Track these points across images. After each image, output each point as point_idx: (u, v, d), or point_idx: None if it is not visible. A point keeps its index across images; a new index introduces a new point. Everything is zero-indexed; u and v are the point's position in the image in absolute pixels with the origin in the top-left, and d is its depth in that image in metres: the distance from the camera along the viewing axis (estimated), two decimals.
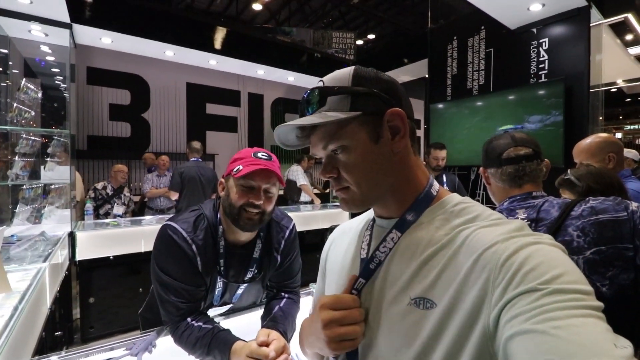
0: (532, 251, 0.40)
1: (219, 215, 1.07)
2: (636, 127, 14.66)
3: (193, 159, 3.88)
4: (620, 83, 5.22)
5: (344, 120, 0.50)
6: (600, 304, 0.36)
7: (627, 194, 1.13)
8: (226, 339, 0.93)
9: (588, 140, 1.65)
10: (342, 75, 0.53)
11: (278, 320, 1.04)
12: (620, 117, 14.88)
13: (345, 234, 0.66)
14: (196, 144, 3.93)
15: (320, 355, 0.59)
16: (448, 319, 0.43)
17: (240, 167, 0.97)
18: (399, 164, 0.52)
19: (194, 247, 1.00)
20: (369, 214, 0.63)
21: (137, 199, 4.51)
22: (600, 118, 3.29)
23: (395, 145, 0.51)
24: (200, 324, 0.98)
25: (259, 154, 1.00)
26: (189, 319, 0.99)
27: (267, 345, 0.88)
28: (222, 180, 1.06)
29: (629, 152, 3.05)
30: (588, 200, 0.98)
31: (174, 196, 3.80)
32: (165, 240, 1.01)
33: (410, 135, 0.53)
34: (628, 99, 13.18)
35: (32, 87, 2.77)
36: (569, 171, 1.21)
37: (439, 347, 0.42)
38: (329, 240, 0.71)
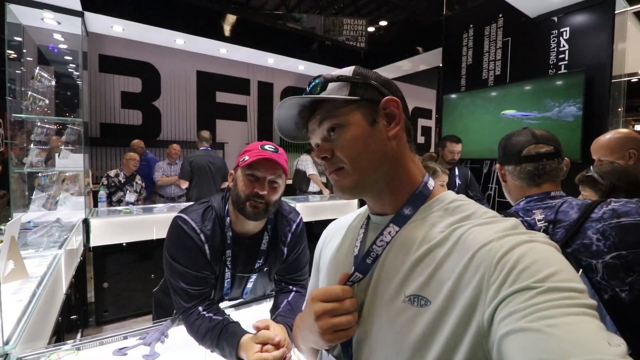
0: (526, 249, 0.40)
1: (227, 207, 1.11)
2: None
3: (202, 147, 3.91)
4: None
5: (342, 100, 0.52)
6: (594, 302, 0.36)
7: None
8: (235, 332, 0.94)
9: (607, 136, 1.59)
10: (344, 70, 0.56)
11: (287, 315, 1.06)
12: None
13: (340, 230, 0.66)
14: (205, 133, 3.95)
15: (315, 350, 0.60)
16: (443, 316, 0.43)
17: (247, 158, 1.01)
18: (393, 153, 0.53)
19: (202, 236, 1.04)
20: (363, 211, 0.63)
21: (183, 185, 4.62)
22: (620, 110, 3.18)
23: (390, 130, 0.53)
24: (211, 314, 1.00)
25: (266, 147, 1.03)
26: (200, 309, 1.01)
27: (259, 329, 0.92)
28: (232, 171, 1.10)
29: None
30: (610, 202, 0.94)
31: (184, 185, 3.85)
32: (176, 231, 1.05)
33: (406, 131, 0.55)
34: None
35: (45, 75, 2.80)
36: (591, 168, 1.16)
37: (433, 345, 0.43)
38: (323, 236, 0.72)
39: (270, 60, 5.31)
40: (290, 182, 5.11)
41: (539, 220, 0.99)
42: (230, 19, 4.56)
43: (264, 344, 0.88)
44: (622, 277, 0.87)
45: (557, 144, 1.03)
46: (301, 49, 5.32)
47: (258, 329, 0.91)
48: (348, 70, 0.55)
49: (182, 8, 4.20)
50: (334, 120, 0.53)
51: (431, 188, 0.55)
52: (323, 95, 0.54)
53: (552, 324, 0.33)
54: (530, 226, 0.98)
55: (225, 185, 3.91)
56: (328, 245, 0.68)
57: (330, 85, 0.54)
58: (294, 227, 1.19)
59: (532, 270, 0.38)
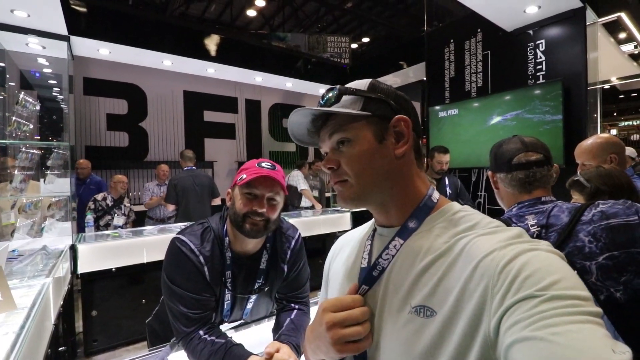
0: (529, 257, 0.40)
1: (225, 227, 1.09)
2: (631, 123, 14.78)
3: (187, 167, 3.84)
4: (615, 80, 5.27)
5: (353, 115, 0.53)
6: (599, 310, 0.36)
7: (638, 195, 1.13)
8: (240, 355, 0.92)
9: (590, 141, 1.65)
10: (360, 82, 0.57)
11: (290, 334, 1.04)
12: (615, 114, 15.00)
13: (348, 244, 0.67)
14: (188, 152, 3.89)
15: None
16: (449, 326, 0.43)
17: (244, 176, 1.00)
18: (399, 170, 0.54)
19: (201, 258, 1.03)
20: (371, 224, 0.64)
21: (136, 209, 4.48)
22: (595, 115, 3.32)
23: (398, 149, 0.54)
24: (213, 338, 0.97)
25: (263, 164, 1.03)
26: (201, 332, 0.99)
27: (271, 356, 0.89)
28: (229, 190, 1.09)
29: (626, 150, 3.07)
30: (598, 205, 0.97)
31: (171, 208, 3.79)
32: (174, 253, 1.04)
33: (415, 148, 0.56)
34: (621, 96, 13.30)
35: (30, 100, 2.76)
36: (578, 172, 1.21)
37: (441, 356, 0.43)
38: (332, 250, 0.72)
39: (258, 78, 5.37)
40: None
41: (531, 226, 1.01)
42: (218, 39, 4.61)
43: None
44: (616, 277, 0.89)
45: (546, 151, 1.07)
46: (288, 67, 5.41)
47: (270, 355, 0.88)
48: (364, 84, 0.56)
49: (169, 30, 4.24)
50: (344, 134, 0.54)
51: (435, 200, 0.55)
52: (336, 107, 0.55)
53: (556, 332, 0.33)
54: None
55: (215, 202, 3.84)
56: (337, 258, 0.69)
57: (344, 98, 0.55)
58: (292, 243, 1.18)
59: (535, 278, 0.38)
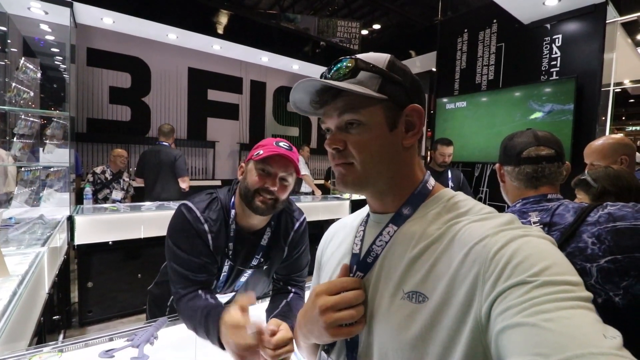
0: (521, 244, 0.40)
1: (233, 200, 1.10)
2: (638, 128, 14.62)
3: (158, 142, 3.64)
4: (627, 83, 5.16)
5: (371, 98, 0.50)
6: (589, 295, 0.36)
7: None
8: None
9: (600, 141, 1.61)
10: (378, 56, 0.53)
11: (286, 315, 1.04)
12: (623, 118, 14.83)
13: (341, 230, 0.67)
14: (164, 127, 3.64)
15: (314, 348, 0.60)
16: (440, 312, 0.43)
17: (261, 152, 0.99)
18: (404, 160, 0.53)
19: (205, 226, 1.04)
20: (364, 210, 0.64)
21: (136, 184, 4.45)
22: (603, 118, 3.26)
23: (406, 140, 0.53)
24: (207, 296, 0.99)
25: (281, 143, 1.03)
26: (199, 291, 1.00)
27: (275, 333, 0.85)
28: (243, 164, 1.08)
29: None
30: (606, 206, 0.94)
31: (139, 182, 3.66)
32: (180, 218, 1.05)
33: (419, 137, 0.55)
34: (631, 100, 13.09)
35: (31, 66, 2.70)
36: (586, 171, 1.17)
37: (432, 341, 0.43)
38: (325, 236, 0.72)
39: (265, 58, 5.27)
40: None
41: (534, 223, 0.98)
42: (226, 15, 4.50)
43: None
44: (617, 281, 0.86)
45: (559, 147, 1.03)
46: (296, 49, 5.30)
47: (274, 332, 0.83)
48: (383, 60, 0.52)
49: (176, 2, 4.13)
50: (356, 116, 0.51)
51: (430, 187, 0.55)
52: (350, 83, 0.50)
53: (548, 318, 0.33)
54: None
55: (183, 185, 3.65)
56: (330, 244, 0.68)
57: (362, 74, 0.51)
58: (297, 225, 1.18)
59: (527, 264, 0.38)
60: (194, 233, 1.03)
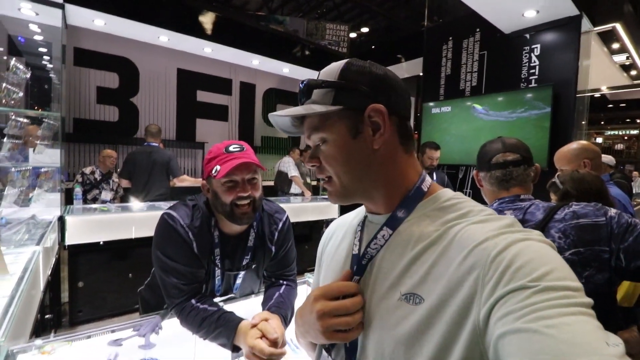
0: (521, 247, 0.40)
1: (211, 210, 1.12)
2: (616, 132, 15.21)
3: (146, 143, 3.57)
4: (604, 89, 5.41)
5: (324, 113, 0.51)
6: (590, 301, 0.36)
7: (609, 199, 1.21)
8: (232, 318, 0.97)
9: (566, 148, 1.73)
10: (332, 68, 0.53)
11: (280, 306, 1.09)
12: (602, 123, 15.39)
13: (341, 228, 0.67)
14: (152, 127, 3.57)
15: (313, 344, 0.61)
16: (436, 314, 0.43)
17: (218, 168, 1.00)
18: (380, 161, 0.52)
19: (190, 234, 1.06)
20: (363, 209, 0.62)
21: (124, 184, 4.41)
22: (583, 122, 3.44)
23: (375, 141, 0.51)
24: (205, 306, 1.02)
25: (231, 148, 1.03)
26: (193, 301, 1.03)
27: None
28: (205, 182, 1.10)
29: (604, 158, 3.17)
30: (571, 205, 1.06)
31: (124, 183, 3.56)
32: (164, 227, 1.07)
33: (399, 132, 0.53)
34: (610, 105, 13.63)
35: (21, 67, 2.70)
36: (556, 175, 1.30)
37: (426, 342, 0.43)
38: (326, 233, 0.72)
39: (255, 61, 5.32)
40: (272, 183, 5.12)
41: None
42: (217, 18, 4.53)
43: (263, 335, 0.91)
44: (580, 271, 0.98)
45: (525, 151, 1.15)
46: (286, 52, 5.36)
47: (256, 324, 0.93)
48: (335, 71, 0.52)
49: (168, 5, 4.15)
50: (319, 134, 0.53)
51: (426, 188, 0.54)
52: (307, 104, 0.53)
53: (550, 325, 0.33)
54: None
55: (182, 183, 3.65)
56: (330, 243, 0.68)
57: (315, 92, 0.53)
58: (280, 225, 1.21)
59: (527, 269, 0.37)
60: (180, 240, 1.04)
